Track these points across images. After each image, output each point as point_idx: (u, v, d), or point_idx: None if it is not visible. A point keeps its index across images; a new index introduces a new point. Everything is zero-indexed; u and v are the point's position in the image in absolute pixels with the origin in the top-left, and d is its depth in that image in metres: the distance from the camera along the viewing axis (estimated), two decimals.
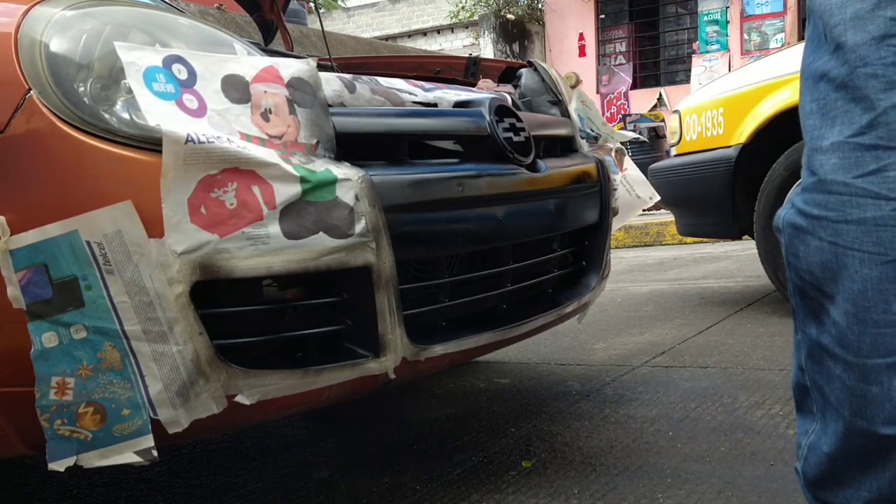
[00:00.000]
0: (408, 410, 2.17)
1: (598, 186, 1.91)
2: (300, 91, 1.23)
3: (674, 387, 2.11)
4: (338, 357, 1.26)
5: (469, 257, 1.62)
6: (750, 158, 3.00)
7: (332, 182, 1.19)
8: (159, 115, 1.06)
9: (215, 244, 1.09)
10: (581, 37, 11.98)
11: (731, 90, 3.15)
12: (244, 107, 1.17)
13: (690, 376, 2.20)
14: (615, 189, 2.03)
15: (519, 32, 12.13)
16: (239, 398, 1.15)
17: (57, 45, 1.11)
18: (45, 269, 1.07)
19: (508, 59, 4.68)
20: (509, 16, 12.05)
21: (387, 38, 12.91)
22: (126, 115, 1.11)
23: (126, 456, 1.11)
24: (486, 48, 11.59)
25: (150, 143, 1.09)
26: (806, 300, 0.87)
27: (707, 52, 11.05)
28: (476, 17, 12.36)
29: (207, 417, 1.13)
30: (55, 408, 1.09)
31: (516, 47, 12.02)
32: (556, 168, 1.74)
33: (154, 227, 1.07)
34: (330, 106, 1.31)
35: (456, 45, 12.92)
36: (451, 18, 13.16)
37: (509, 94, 2.01)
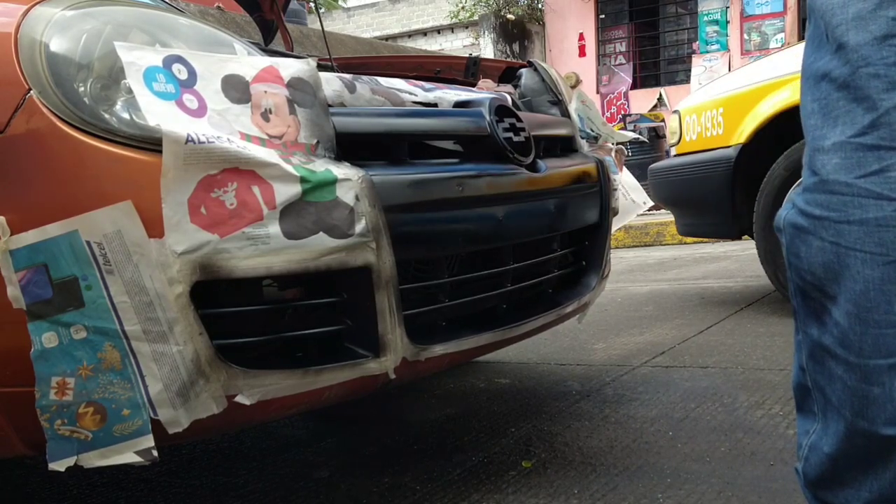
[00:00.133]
0: (408, 410, 2.17)
1: (598, 186, 1.91)
2: (300, 91, 1.23)
3: (674, 387, 2.11)
4: (338, 357, 1.26)
5: (469, 257, 1.62)
6: (750, 158, 3.00)
7: (333, 182, 1.19)
8: (159, 115, 1.06)
9: (215, 244, 1.09)
10: (581, 37, 11.98)
11: (730, 90, 3.15)
12: (244, 107, 1.17)
13: (690, 376, 2.20)
14: (615, 189, 2.03)
15: (519, 32, 12.13)
16: (239, 398, 1.15)
17: (57, 45, 1.11)
18: (45, 269, 1.07)
19: (508, 59, 4.69)
20: (509, 16, 12.04)
21: (387, 38, 12.91)
22: (126, 115, 1.11)
23: (126, 456, 1.11)
24: (486, 48, 11.59)
25: (150, 143, 1.09)
26: (807, 300, 0.87)
27: (707, 52, 11.05)
28: (476, 17, 12.36)
29: (207, 417, 1.13)
30: (55, 408, 1.09)
31: (516, 47, 12.02)
32: (556, 168, 1.74)
33: (154, 227, 1.07)
34: (330, 106, 1.31)
35: (456, 45, 12.92)
36: (451, 18, 13.16)
37: (509, 94, 2.01)
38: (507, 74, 2.20)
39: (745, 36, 10.75)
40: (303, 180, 1.15)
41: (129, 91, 1.09)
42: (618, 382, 2.21)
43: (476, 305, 1.58)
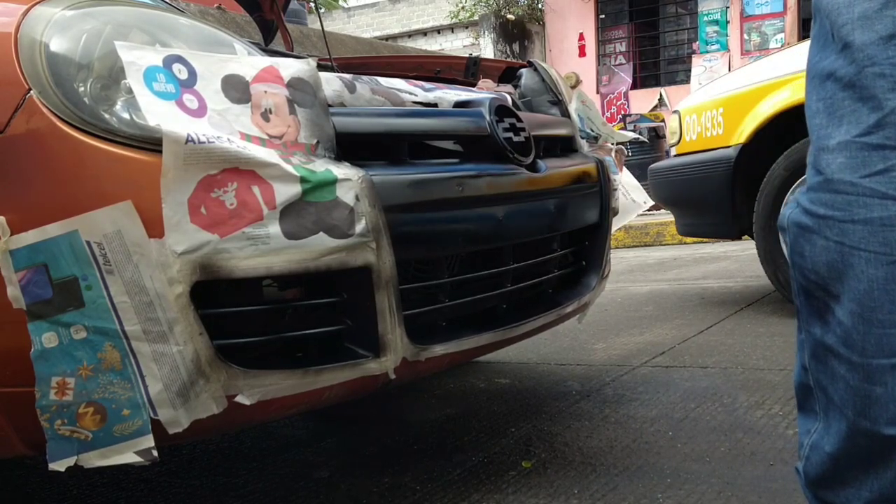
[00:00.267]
0: (408, 410, 2.17)
1: (598, 186, 1.91)
2: (300, 91, 1.23)
3: (674, 387, 2.11)
4: (338, 357, 1.26)
5: (469, 257, 1.62)
6: (749, 158, 3.00)
7: (333, 182, 1.19)
8: (159, 114, 1.06)
9: (215, 244, 1.09)
10: (581, 37, 11.98)
11: (730, 90, 3.15)
12: (244, 107, 1.16)
13: (690, 376, 2.20)
14: (615, 189, 2.03)
15: (519, 32, 12.13)
16: (239, 398, 1.15)
17: (57, 45, 1.11)
18: (45, 269, 1.07)
19: (508, 59, 4.69)
20: (509, 16, 12.04)
21: (387, 38, 12.91)
22: (126, 115, 1.11)
23: (126, 456, 1.11)
24: (486, 48, 11.59)
25: (150, 143, 1.09)
26: (811, 300, 0.87)
27: (707, 52, 11.05)
28: (476, 17, 12.36)
29: (207, 417, 1.13)
30: (55, 408, 1.09)
31: (516, 47, 12.02)
32: (556, 168, 1.74)
33: (154, 227, 1.07)
34: (330, 106, 1.31)
35: (456, 45, 12.91)
36: (452, 18, 13.16)
37: (509, 94, 2.01)
38: (507, 74, 2.20)
39: (745, 36, 10.75)
40: (303, 180, 1.15)
41: (130, 91, 1.09)
42: (618, 382, 2.21)
43: (476, 305, 1.58)
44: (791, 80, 2.83)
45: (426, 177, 1.40)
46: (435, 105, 1.61)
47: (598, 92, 11.71)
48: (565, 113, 2.05)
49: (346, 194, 1.20)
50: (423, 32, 13.44)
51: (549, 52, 12.18)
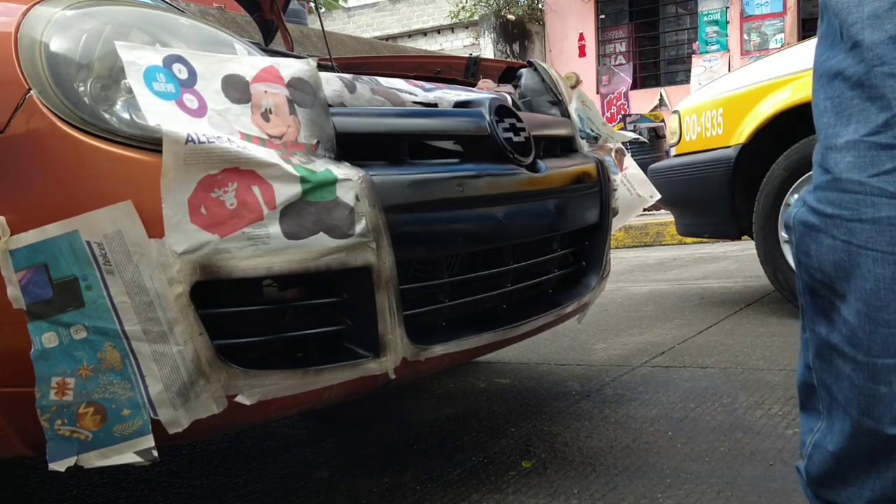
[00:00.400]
0: (408, 410, 2.17)
1: (598, 186, 1.91)
2: (300, 91, 1.23)
3: (673, 387, 2.11)
4: (338, 357, 1.26)
5: (469, 257, 1.62)
6: (749, 159, 3.00)
7: (333, 182, 1.19)
8: (159, 114, 1.06)
9: (215, 244, 1.09)
10: (581, 37, 11.98)
11: (730, 90, 3.15)
12: (244, 107, 1.16)
13: (690, 376, 2.20)
14: (615, 189, 2.03)
15: (519, 32, 12.13)
16: (239, 398, 1.15)
17: (57, 45, 1.11)
18: (45, 269, 1.07)
19: (508, 60, 4.68)
20: (509, 16, 12.04)
21: (387, 38, 12.91)
22: (126, 115, 1.11)
23: (126, 456, 1.11)
24: (487, 48, 11.59)
25: (151, 143, 1.09)
26: (816, 298, 0.87)
27: (707, 52, 11.05)
28: (476, 17, 12.36)
29: (208, 418, 1.13)
30: (55, 408, 1.09)
31: (516, 47, 12.02)
32: (556, 168, 1.74)
33: (154, 227, 1.07)
34: (330, 106, 1.31)
35: (456, 45, 12.92)
36: (452, 18, 13.16)
37: (509, 94, 2.01)
38: (507, 74, 2.20)
39: (745, 36, 10.75)
40: (303, 180, 1.15)
41: (130, 91, 1.09)
42: (618, 382, 2.21)
43: (476, 305, 1.58)
44: (791, 80, 2.83)
45: (426, 177, 1.40)
46: (435, 105, 1.61)
47: (598, 92, 11.71)
48: (565, 113, 2.05)
49: (346, 194, 1.20)
50: (423, 32, 13.44)
51: (549, 53, 12.18)
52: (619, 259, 5.50)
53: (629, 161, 2.23)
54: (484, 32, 11.78)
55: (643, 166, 2.46)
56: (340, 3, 15.17)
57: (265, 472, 1.75)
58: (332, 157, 1.24)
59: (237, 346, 1.18)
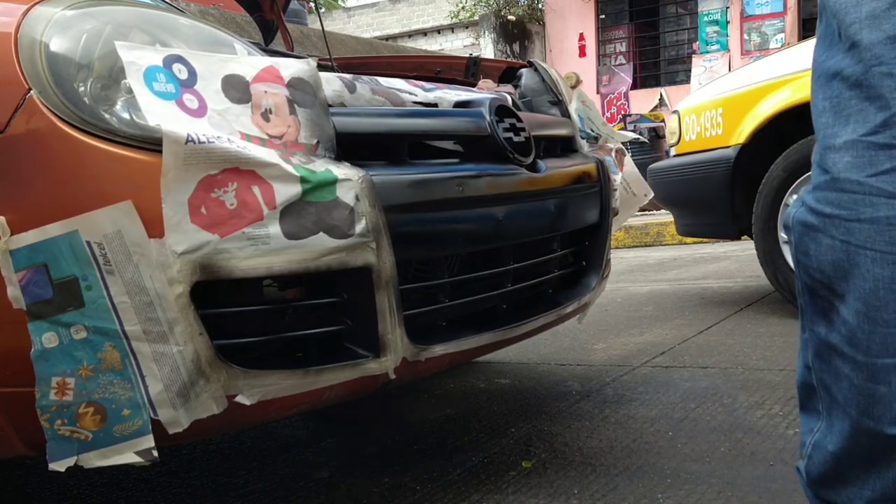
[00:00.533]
0: (408, 410, 2.17)
1: (598, 187, 1.91)
2: (300, 91, 1.23)
3: (674, 387, 2.11)
4: (338, 357, 1.26)
5: (469, 257, 1.62)
6: (749, 159, 3.00)
7: (333, 182, 1.19)
8: (159, 114, 1.06)
9: (216, 244, 1.09)
10: (581, 37, 11.98)
11: (730, 90, 3.15)
12: (244, 107, 1.16)
13: (690, 376, 2.20)
14: (615, 189, 2.03)
15: (519, 32, 12.13)
16: (239, 398, 1.15)
17: (57, 45, 1.11)
18: (45, 269, 1.07)
19: (508, 60, 4.69)
20: (509, 16, 12.05)
21: (387, 38, 12.91)
22: (126, 115, 1.11)
23: (126, 456, 1.11)
24: (487, 48, 11.59)
25: (151, 143, 1.09)
26: (815, 299, 0.87)
27: (707, 52, 11.05)
28: (476, 17, 12.37)
29: (208, 418, 1.13)
30: (55, 408, 1.09)
31: (516, 47, 12.03)
32: (556, 168, 1.74)
33: (154, 227, 1.07)
34: (330, 106, 1.31)
35: (456, 45, 12.92)
36: (452, 18, 13.16)
37: (509, 94, 2.01)
38: (508, 74, 2.20)
39: (745, 36, 10.76)
40: (303, 180, 1.15)
41: (130, 91, 1.09)
42: (618, 382, 2.21)
43: (476, 305, 1.58)
44: (790, 80, 2.83)
45: (426, 177, 1.40)
46: (435, 105, 1.61)
47: (598, 92, 11.71)
48: (565, 113, 2.05)
49: (346, 194, 1.20)
50: (424, 32, 13.44)
51: (549, 53, 12.18)
52: (620, 259, 5.50)
53: (626, 160, 2.23)
54: (484, 32, 11.78)
55: (643, 166, 2.46)
56: (340, 3, 15.18)
57: (265, 472, 1.75)
58: (332, 157, 1.24)
59: (237, 346, 1.18)
